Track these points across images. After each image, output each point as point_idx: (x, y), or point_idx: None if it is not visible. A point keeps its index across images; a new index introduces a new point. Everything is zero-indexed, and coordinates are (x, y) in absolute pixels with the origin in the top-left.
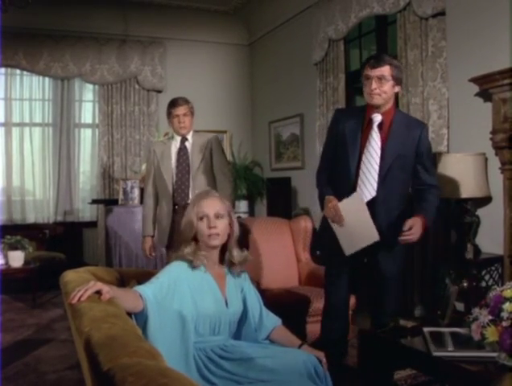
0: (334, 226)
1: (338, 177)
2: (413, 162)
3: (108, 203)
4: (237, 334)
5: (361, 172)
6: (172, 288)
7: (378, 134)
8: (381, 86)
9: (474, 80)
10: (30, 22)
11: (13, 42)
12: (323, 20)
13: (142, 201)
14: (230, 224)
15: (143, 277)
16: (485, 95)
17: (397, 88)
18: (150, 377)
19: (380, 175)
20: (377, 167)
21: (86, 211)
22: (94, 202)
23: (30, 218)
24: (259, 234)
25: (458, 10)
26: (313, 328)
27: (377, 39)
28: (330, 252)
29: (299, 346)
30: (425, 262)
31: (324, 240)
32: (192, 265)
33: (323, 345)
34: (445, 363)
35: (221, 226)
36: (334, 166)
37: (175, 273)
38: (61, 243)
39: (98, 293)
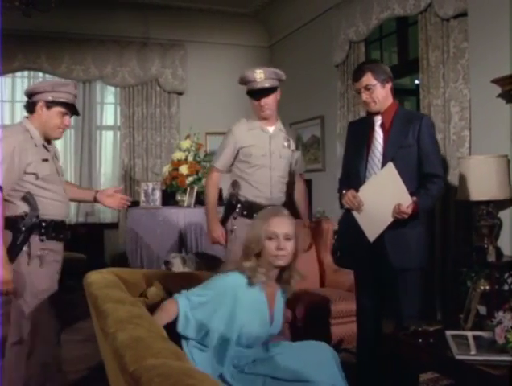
0: (356, 215)
1: (352, 179)
2: (416, 153)
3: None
4: None
5: (367, 171)
6: (218, 301)
7: (381, 133)
8: (371, 94)
9: (496, 82)
10: (52, 25)
11: (35, 45)
12: (343, 22)
13: (163, 203)
14: (295, 244)
15: (167, 278)
16: (507, 96)
17: (388, 86)
18: (176, 378)
19: (382, 168)
20: (378, 162)
21: (107, 213)
22: None
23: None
24: None
25: (480, 11)
26: (337, 330)
27: (398, 40)
28: (352, 253)
29: None
30: (446, 265)
31: (344, 242)
32: (250, 282)
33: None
34: (468, 366)
35: (289, 247)
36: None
37: (230, 286)
38: (82, 244)
39: None
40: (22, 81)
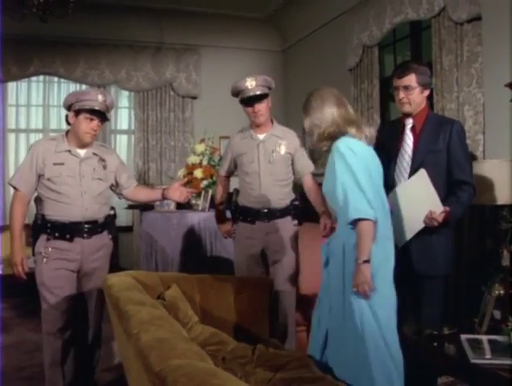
0: None
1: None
2: (445, 158)
3: (143, 208)
4: None
5: (395, 174)
6: None
7: (411, 136)
8: (409, 95)
9: (510, 86)
10: (67, 31)
11: (51, 50)
12: (357, 26)
13: (177, 206)
14: None
15: (183, 281)
16: None
17: (426, 92)
18: (201, 378)
19: (410, 172)
20: (407, 166)
21: (122, 216)
22: (130, 207)
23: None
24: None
25: (494, 15)
26: None
27: (412, 44)
28: None
29: None
30: (460, 270)
31: None
32: None
33: None
34: (483, 370)
35: None
36: None
37: None
38: None
39: None
40: (37, 86)
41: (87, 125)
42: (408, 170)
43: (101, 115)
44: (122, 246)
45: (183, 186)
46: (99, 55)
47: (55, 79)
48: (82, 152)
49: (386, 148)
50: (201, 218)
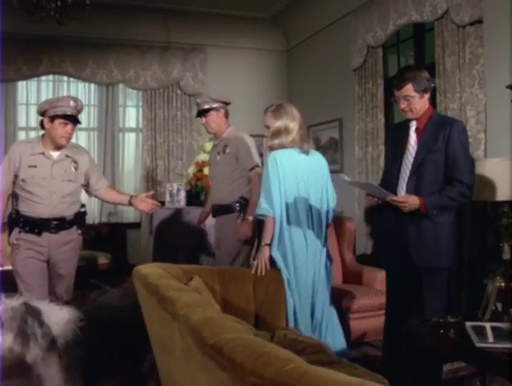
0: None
1: (387, 179)
2: (443, 158)
3: None
4: None
5: (399, 174)
6: None
7: (414, 137)
8: (409, 104)
9: (511, 87)
10: (76, 31)
11: (60, 50)
12: (361, 27)
13: (187, 203)
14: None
15: (204, 273)
16: None
17: (426, 96)
18: (253, 347)
19: (412, 170)
20: (409, 164)
21: (130, 213)
22: None
23: None
24: None
25: (495, 18)
26: (359, 324)
27: (415, 45)
28: (383, 253)
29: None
30: (462, 263)
31: (377, 243)
32: None
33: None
34: (487, 353)
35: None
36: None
37: None
38: (106, 243)
39: None
40: (47, 85)
41: (62, 129)
42: (410, 169)
43: (74, 119)
44: (130, 242)
45: (149, 198)
46: (107, 55)
47: (65, 78)
48: (55, 154)
49: (393, 149)
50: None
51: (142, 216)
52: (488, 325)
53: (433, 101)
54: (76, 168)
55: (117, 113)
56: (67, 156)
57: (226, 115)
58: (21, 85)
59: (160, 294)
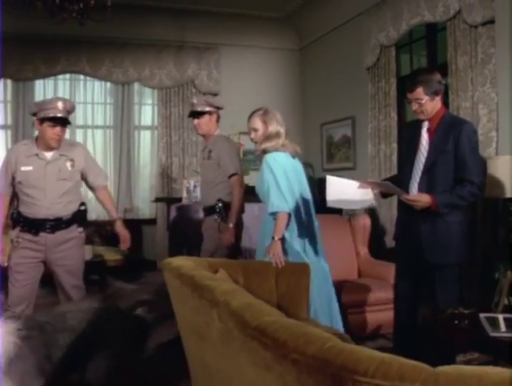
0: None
1: (401, 178)
2: (453, 159)
3: (169, 201)
4: None
5: (412, 174)
6: None
7: (426, 137)
8: (421, 106)
9: None
10: (92, 31)
11: (77, 49)
12: (374, 27)
13: None
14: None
15: (228, 266)
16: None
17: (437, 98)
18: (294, 328)
19: (423, 170)
20: (421, 164)
21: (146, 209)
22: (158, 200)
23: (92, 215)
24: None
25: (507, 18)
26: (374, 317)
27: (427, 45)
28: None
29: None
30: (474, 259)
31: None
32: None
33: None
34: (500, 342)
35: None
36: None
37: None
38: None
39: None
40: (64, 83)
41: (51, 131)
42: (422, 169)
43: (63, 121)
44: (146, 238)
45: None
46: (123, 54)
47: (81, 77)
48: (49, 155)
49: (407, 148)
50: None
51: (158, 213)
52: (501, 316)
53: (445, 100)
54: (72, 166)
55: (132, 111)
56: (61, 155)
57: (218, 119)
58: (38, 84)
59: (196, 284)
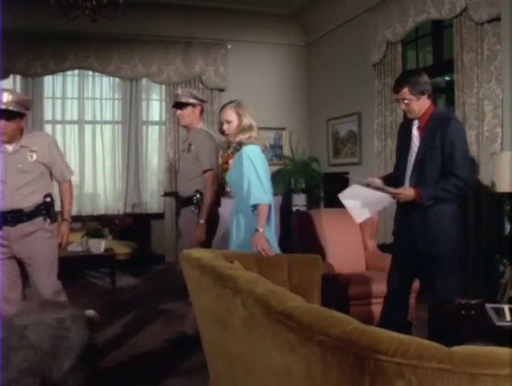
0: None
1: (398, 176)
2: (440, 154)
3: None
4: None
5: (405, 170)
6: None
7: (417, 135)
8: (408, 105)
9: None
10: (101, 27)
11: (85, 46)
12: (380, 23)
13: None
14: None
15: (242, 258)
16: None
17: (424, 98)
18: (317, 312)
19: (414, 166)
20: (412, 160)
21: (153, 203)
22: (166, 194)
23: (101, 209)
24: (328, 224)
25: None
26: (379, 308)
27: (433, 41)
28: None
29: None
30: (479, 252)
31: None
32: None
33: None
34: (506, 331)
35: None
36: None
37: None
38: (130, 233)
39: None
40: (72, 79)
41: None
42: (412, 164)
43: (8, 113)
44: (154, 232)
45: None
46: (131, 50)
47: (90, 72)
48: (10, 147)
49: (401, 146)
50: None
51: (166, 207)
52: (506, 306)
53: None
54: (32, 157)
55: (140, 107)
56: (22, 146)
57: (201, 112)
58: (47, 80)
59: (218, 273)
